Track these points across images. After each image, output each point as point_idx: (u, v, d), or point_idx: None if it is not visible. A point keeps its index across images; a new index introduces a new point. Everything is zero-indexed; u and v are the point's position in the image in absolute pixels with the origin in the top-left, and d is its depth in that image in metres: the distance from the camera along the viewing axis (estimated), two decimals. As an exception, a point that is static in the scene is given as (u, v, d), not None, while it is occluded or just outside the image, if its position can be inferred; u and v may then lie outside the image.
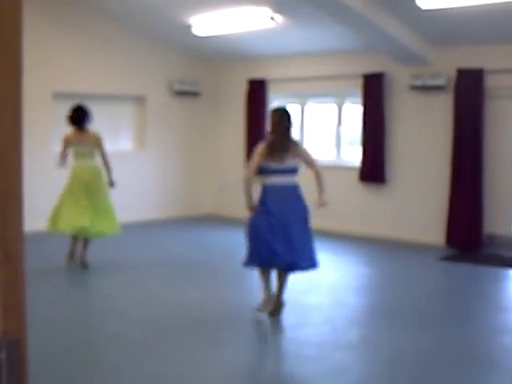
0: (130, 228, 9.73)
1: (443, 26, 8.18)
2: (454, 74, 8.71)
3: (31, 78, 8.52)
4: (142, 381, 4.13)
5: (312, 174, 5.63)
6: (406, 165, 9.42)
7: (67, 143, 7.20)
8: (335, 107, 10.29)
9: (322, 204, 5.63)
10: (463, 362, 4.53)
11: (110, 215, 7.35)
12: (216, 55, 11.21)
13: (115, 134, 10.56)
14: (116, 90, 10.46)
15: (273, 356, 4.63)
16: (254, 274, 5.98)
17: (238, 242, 7.54)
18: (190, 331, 5.17)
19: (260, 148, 5.43)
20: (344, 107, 10.20)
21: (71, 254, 7.42)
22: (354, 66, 9.77)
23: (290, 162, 5.44)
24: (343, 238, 9.55)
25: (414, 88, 9.10)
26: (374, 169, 9.55)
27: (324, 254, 8.21)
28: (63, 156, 7.22)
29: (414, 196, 9.33)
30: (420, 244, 9.08)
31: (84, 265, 7.27)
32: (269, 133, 5.65)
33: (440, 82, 8.80)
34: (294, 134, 5.79)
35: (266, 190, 5.44)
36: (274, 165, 5.39)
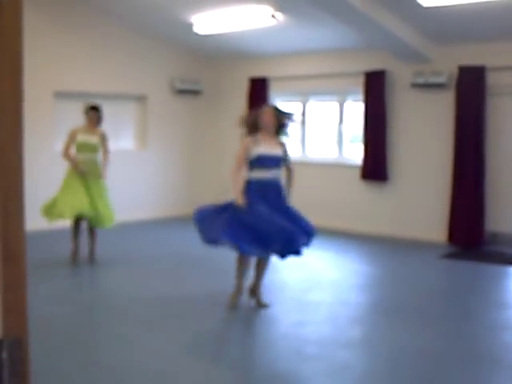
0: (131, 227, 9.73)
1: (444, 24, 8.17)
2: (455, 72, 8.70)
3: (33, 77, 8.54)
4: (145, 380, 4.13)
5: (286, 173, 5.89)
6: (407, 163, 9.41)
7: (73, 135, 7.42)
8: (337, 105, 10.28)
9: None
10: (465, 359, 4.53)
11: (107, 208, 7.46)
12: (217, 54, 11.21)
13: (117, 132, 10.55)
14: (117, 89, 10.46)
15: (274, 354, 4.63)
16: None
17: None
18: (192, 330, 5.17)
19: None
20: (345, 105, 10.19)
21: (73, 255, 7.49)
22: (355, 63, 9.76)
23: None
24: (345, 236, 9.55)
25: (416, 86, 9.09)
26: (375, 167, 9.54)
27: (326, 252, 8.21)
28: (68, 148, 7.41)
29: (416, 194, 9.32)
30: (422, 242, 9.07)
31: (92, 260, 7.45)
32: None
33: (441, 79, 8.79)
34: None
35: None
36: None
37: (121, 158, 10.49)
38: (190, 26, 9.72)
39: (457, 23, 8.06)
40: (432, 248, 8.66)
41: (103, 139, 7.47)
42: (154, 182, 11.03)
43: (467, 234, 8.62)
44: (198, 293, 6.27)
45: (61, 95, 9.65)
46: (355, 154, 10.09)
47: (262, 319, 5.50)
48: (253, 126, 5.74)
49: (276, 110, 5.76)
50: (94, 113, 7.44)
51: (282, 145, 5.76)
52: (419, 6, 7.51)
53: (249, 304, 5.85)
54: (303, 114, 10.62)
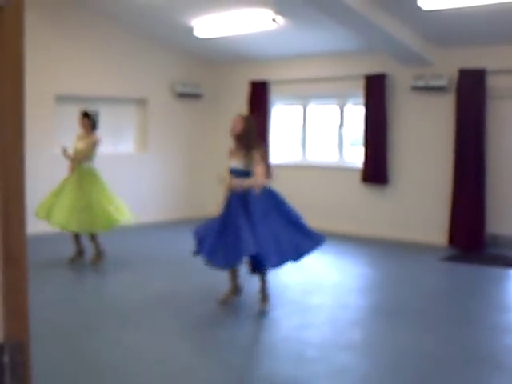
0: (132, 230, 9.73)
1: (445, 27, 8.18)
2: (455, 75, 8.70)
3: (34, 80, 8.54)
4: (146, 382, 4.13)
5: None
6: (408, 165, 9.42)
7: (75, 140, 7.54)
8: (337, 108, 10.28)
9: (236, 183, 5.61)
10: (466, 362, 4.52)
11: (114, 207, 7.43)
12: (218, 57, 11.22)
13: (117, 136, 10.57)
14: (118, 93, 10.46)
15: (275, 357, 4.63)
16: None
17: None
18: (193, 332, 5.17)
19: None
20: (346, 108, 10.20)
21: (76, 256, 7.59)
22: (355, 67, 9.77)
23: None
24: (346, 239, 9.54)
25: (416, 89, 9.09)
26: (376, 170, 9.54)
27: (327, 255, 8.20)
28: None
29: (417, 197, 9.32)
30: (423, 244, 9.07)
31: (94, 261, 7.50)
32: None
33: (442, 82, 8.80)
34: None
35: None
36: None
37: (121, 161, 10.50)
38: (191, 29, 9.73)
39: (457, 26, 8.07)
40: (433, 251, 8.65)
41: (91, 145, 7.34)
42: (155, 186, 11.03)
43: (468, 236, 8.61)
44: (199, 296, 6.26)
45: (62, 99, 9.66)
46: (356, 157, 10.09)
47: (262, 322, 5.50)
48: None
49: (247, 119, 5.74)
50: (85, 119, 7.42)
51: (249, 156, 5.65)
52: (419, 9, 7.51)
53: (250, 307, 5.85)
54: (304, 118, 10.63)
